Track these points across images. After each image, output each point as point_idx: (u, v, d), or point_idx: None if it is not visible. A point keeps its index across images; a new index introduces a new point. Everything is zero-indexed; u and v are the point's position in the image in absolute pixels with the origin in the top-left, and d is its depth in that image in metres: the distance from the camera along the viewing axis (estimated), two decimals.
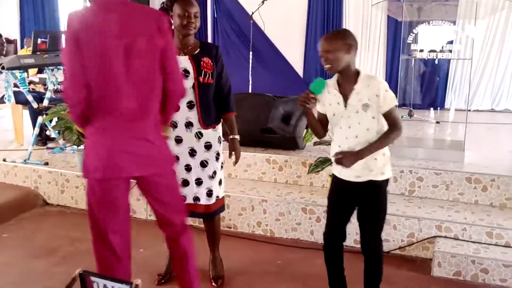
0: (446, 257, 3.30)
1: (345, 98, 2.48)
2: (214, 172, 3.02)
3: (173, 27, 2.87)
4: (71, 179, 4.64)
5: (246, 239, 3.96)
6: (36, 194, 4.78)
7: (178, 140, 2.93)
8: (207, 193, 3.02)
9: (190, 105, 2.87)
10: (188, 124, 2.90)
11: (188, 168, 2.96)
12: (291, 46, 8.33)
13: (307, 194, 4.09)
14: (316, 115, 2.63)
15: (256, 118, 4.55)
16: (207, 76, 2.86)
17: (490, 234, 3.43)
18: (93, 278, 1.17)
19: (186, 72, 2.83)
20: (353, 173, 2.53)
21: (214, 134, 2.99)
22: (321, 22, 8.23)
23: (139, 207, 4.37)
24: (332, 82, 2.55)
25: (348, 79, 2.48)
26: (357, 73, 2.49)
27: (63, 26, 10.36)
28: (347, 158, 2.47)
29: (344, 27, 8.07)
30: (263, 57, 8.22)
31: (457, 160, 4.29)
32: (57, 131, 5.20)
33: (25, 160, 4.88)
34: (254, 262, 3.57)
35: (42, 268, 3.42)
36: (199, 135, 2.92)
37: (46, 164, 4.84)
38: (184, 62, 2.84)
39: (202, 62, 2.84)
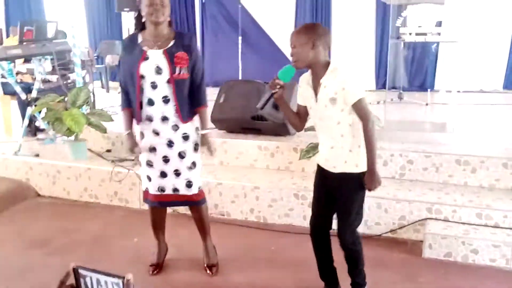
0: (437, 238, 3.35)
1: (316, 92, 2.49)
2: (193, 163, 3.02)
3: (143, 19, 2.85)
4: (63, 170, 4.63)
5: (239, 226, 3.99)
6: (28, 186, 4.77)
7: (156, 132, 2.93)
8: (186, 184, 3.02)
9: (165, 100, 2.86)
10: (164, 119, 2.89)
11: (165, 159, 2.96)
12: (281, 30, 8.27)
13: (299, 180, 4.12)
14: (291, 105, 2.66)
15: (247, 105, 4.54)
16: (182, 71, 2.83)
17: (480, 215, 3.48)
18: (86, 272, 1.19)
19: (159, 69, 2.81)
20: (330, 163, 2.56)
21: (191, 125, 2.97)
22: (310, 5, 8.18)
23: (132, 196, 4.38)
24: (307, 77, 2.55)
25: (317, 74, 2.48)
26: (326, 66, 2.46)
27: (48, 15, 10.23)
28: (368, 183, 2.49)
29: (332, 10, 8.05)
30: (253, 42, 8.19)
31: (447, 142, 4.33)
32: (46, 122, 5.17)
33: (15, 153, 4.86)
34: (248, 249, 3.61)
35: (37, 259, 3.43)
36: (175, 127, 2.92)
37: (37, 156, 4.83)
38: (157, 57, 2.81)
39: (175, 58, 2.80)
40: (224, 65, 8.29)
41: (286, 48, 8.30)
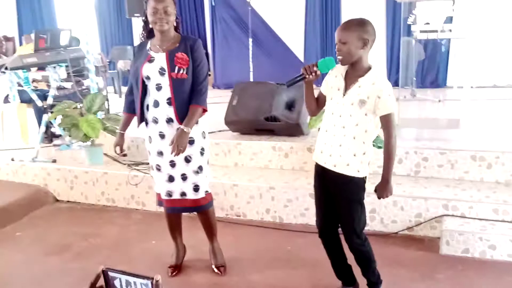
0: (454, 235, 3.35)
1: (346, 87, 2.47)
2: (200, 167, 3.03)
3: (150, 25, 2.90)
4: (80, 175, 4.69)
5: (256, 227, 4.02)
6: (46, 191, 4.84)
7: (162, 136, 2.96)
8: (193, 188, 3.05)
9: (169, 102, 2.89)
10: (169, 120, 2.92)
11: (172, 164, 2.99)
12: (291, 31, 8.31)
13: None
14: (317, 93, 2.63)
15: (260, 107, 4.58)
16: (181, 71, 2.84)
17: (497, 211, 3.48)
18: (115, 274, 1.22)
19: (162, 70, 2.86)
20: (331, 161, 2.53)
21: (196, 129, 2.97)
22: (320, 5, 8.19)
23: (149, 199, 4.43)
24: (342, 68, 2.52)
25: (356, 71, 2.46)
26: (368, 68, 2.46)
27: (60, 22, 10.36)
28: (380, 191, 2.51)
29: (342, 9, 8.04)
30: (263, 44, 8.22)
31: (462, 138, 4.32)
32: (63, 128, 5.24)
33: (33, 159, 4.94)
34: (264, 249, 3.63)
35: (58, 265, 3.48)
36: None
37: (54, 161, 4.90)
38: (161, 60, 2.87)
39: (175, 58, 2.84)
40: (235, 68, 8.33)
41: (296, 49, 8.37)
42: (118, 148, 3.15)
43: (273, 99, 4.59)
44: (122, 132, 3.13)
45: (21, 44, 10.02)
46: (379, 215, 3.74)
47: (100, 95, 4.79)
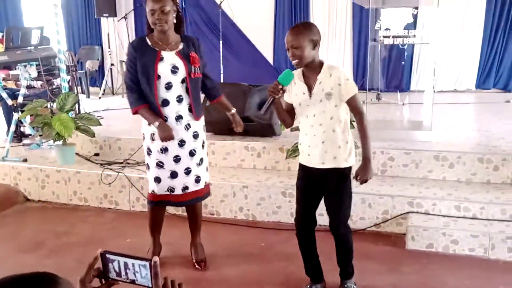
0: (419, 231, 3.52)
1: (310, 88, 2.62)
2: (201, 160, 3.17)
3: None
4: (51, 175, 4.67)
5: (229, 224, 4.10)
6: (17, 190, 4.79)
7: None
8: (195, 180, 3.15)
9: (179, 99, 2.99)
10: (178, 117, 3.02)
11: (177, 159, 3.08)
12: (261, 34, 8.41)
13: (286, 178, 4.25)
14: (284, 105, 2.75)
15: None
16: (197, 70, 2.99)
17: (458, 208, 3.67)
18: (113, 257, 1.27)
19: (175, 68, 2.94)
20: (318, 160, 2.67)
21: (200, 123, 3.14)
22: (289, 10, 8.32)
23: (122, 199, 4.46)
24: (297, 73, 2.68)
25: (312, 71, 2.62)
26: (321, 64, 2.63)
27: (26, 21, 10.16)
28: (363, 172, 2.62)
29: (311, 15, 8.21)
30: (233, 46, 8.30)
31: (425, 139, 4.52)
32: (33, 128, 5.20)
33: (3, 158, 4.88)
34: (239, 245, 3.73)
35: (32, 261, 3.48)
36: (188, 126, 3.06)
37: (25, 160, 4.86)
38: (172, 58, 2.95)
39: (191, 58, 2.95)
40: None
41: (265, 51, 8.48)
42: (174, 133, 2.97)
43: (245, 100, 4.69)
44: (161, 120, 2.94)
45: None
46: (355, 213, 3.88)
47: (72, 95, 4.79)
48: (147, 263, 1.22)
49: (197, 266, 3.34)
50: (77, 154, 4.94)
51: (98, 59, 9.43)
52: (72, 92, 4.96)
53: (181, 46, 3.00)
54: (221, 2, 7.29)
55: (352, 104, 2.62)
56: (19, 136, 5.60)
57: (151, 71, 2.93)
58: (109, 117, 6.11)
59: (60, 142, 4.74)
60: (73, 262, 3.40)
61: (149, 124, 3.02)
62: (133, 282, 1.26)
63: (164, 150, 3.06)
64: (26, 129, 5.60)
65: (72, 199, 4.63)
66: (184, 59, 2.95)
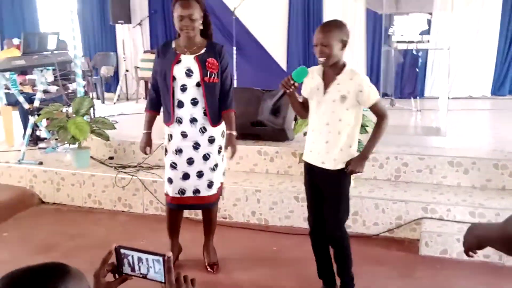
0: (433, 236, 3.50)
1: (326, 86, 2.62)
2: (216, 165, 3.17)
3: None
4: (66, 177, 4.72)
5: (242, 229, 4.11)
6: (32, 193, 4.85)
7: (184, 135, 3.08)
8: (207, 185, 3.16)
9: (194, 102, 3.02)
10: (193, 120, 3.05)
11: (190, 161, 3.10)
12: (274, 40, 8.44)
13: (299, 183, 4.23)
14: (301, 98, 2.78)
15: (246, 112, 4.68)
16: (213, 76, 3.00)
17: (473, 214, 3.64)
18: (127, 252, 1.28)
19: (189, 71, 2.97)
20: (319, 158, 2.67)
21: (218, 129, 3.14)
22: (302, 16, 8.35)
23: (136, 202, 4.49)
24: (317, 68, 2.67)
25: (333, 70, 2.61)
26: (343, 65, 2.62)
27: (42, 27, 10.31)
28: (355, 164, 2.62)
29: (324, 19, 8.21)
30: (247, 53, 8.32)
31: (439, 145, 4.49)
32: (49, 131, 5.27)
33: (19, 161, 4.94)
34: (251, 249, 3.73)
35: None
36: (203, 130, 3.08)
37: (41, 164, 4.92)
38: (189, 61, 2.99)
39: (207, 63, 2.97)
40: None
41: (279, 58, 8.50)
42: (148, 149, 3.21)
43: (259, 105, 4.71)
44: (149, 132, 3.19)
45: (2, 49, 9.95)
46: (361, 218, 3.87)
47: (88, 99, 4.84)
48: (161, 258, 1.23)
49: (209, 269, 3.35)
50: (91, 157, 4.99)
51: (113, 65, 9.51)
52: (87, 96, 5.01)
53: (203, 51, 3.02)
54: (234, 9, 7.33)
55: (375, 109, 2.62)
56: (35, 139, 5.66)
57: (168, 72, 3.00)
58: (124, 122, 6.16)
59: (75, 146, 4.79)
60: (86, 264, 3.35)
61: (167, 124, 3.10)
62: (145, 276, 1.28)
63: (179, 151, 3.09)
64: (42, 133, 5.66)
65: (87, 201, 4.67)
66: (200, 64, 2.98)
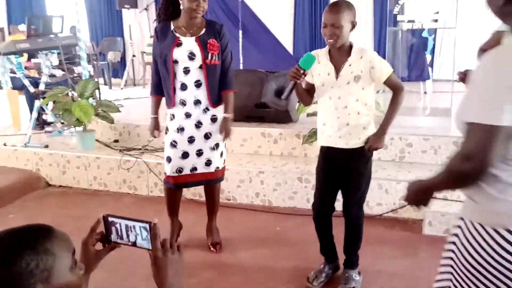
0: (436, 216, 3.48)
1: (337, 69, 2.56)
2: (217, 145, 3.17)
3: (181, 7, 2.96)
4: (72, 160, 4.75)
5: (246, 210, 4.12)
6: (38, 176, 4.89)
7: (188, 115, 3.08)
8: (205, 163, 3.16)
9: (197, 84, 3.01)
10: (197, 102, 3.05)
11: (191, 139, 3.10)
12: (280, 23, 8.39)
13: (302, 164, 4.25)
14: (304, 85, 2.71)
15: (250, 94, 4.67)
16: (214, 57, 2.98)
17: None
18: (115, 220, 1.30)
19: (192, 54, 2.96)
20: (343, 141, 2.63)
21: (220, 108, 3.13)
22: None
23: (141, 184, 4.51)
24: (323, 53, 2.60)
25: (341, 52, 2.55)
26: (351, 46, 2.57)
27: (49, 11, 10.34)
28: (375, 140, 2.59)
29: (331, 1, 8.14)
30: (253, 36, 8.27)
31: (444, 126, 4.45)
32: (54, 115, 5.30)
33: (25, 144, 4.99)
34: (254, 229, 3.75)
35: None
36: (206, 110, 3.08)
37: (46, 147, 4.95)
38: (190, 44, 2.96)
39: (208, 45, 2.95)
40: None
41: (285, 41, 8.45)
42: (156, 133, 3.23)
43: (262, 86, 4.69)
44: (155, 116, 3.20)
45: (10, 34, 9.99)
46: (366, 198, 3.85)
47: (92, 81, 4.86)
48: (147, 225, 1.24)
49: (212, 249, 3.36)
50: (97, 140, 5.01)
51: (120, 51, 9.53)
52: (92, 79, 5.02)
53: (203, 31, 2.99)
54: None
55: (390, 83, 2.57)
56: (41, 124, 5.71)
57: (168, 56, 2.98)
58: (130, 106, 6.19)
59: (81, 129, 4.82)
60: None
61: (169, 107, 3.11)
62: (134, 244, 1.29)
63: (181, 129, 3.09)
64: (49, 117, 5.69)
65: (92, 184, 4.71)
66: (201, 46, 2.96)
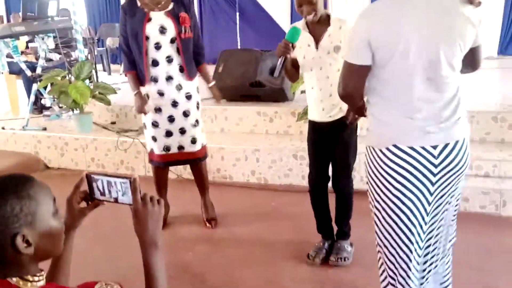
0: None
1: (317, 40, 2.58)
2: (197, 121, 3.20)
3: None
4: (70, 142, 4.79)
5: (242, 188, 4.17)
6: (37, 159, 4.94)
7: (160, 93, 3.09)
8: (191, 141, 3.19)
9: (169, 60, 3.02)
10: (168, 78, 3.05)
11: (171, 119, 3.12)
12: (278, 5, 8.37)
13: (298, 141, 4.26)
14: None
15: (245, 73, 4.69)
16: (187, 30, 2.98)
17: (470, 166, 3.62)
18: (97, 177, 1.33)
19: (163, 28, 2.96)
20: (326, 114, 2.66)
21: (193, 84, 3.14)
22: None
23: (138, 164, 4.55)
24: (301, 26, 2.60)
25: (319, 23, 2.57)
26: (328, 15, 2.59)
27: None
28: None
29: None
30: (250, 18, 8.28)
31: None
32: (52, 97, 5.32)
33: (23, 127, 5.03)
34: (250, 206, 3.79)
35: None
36: (179, 87, 3.08)
37: (45, 129, 4.99)
38: (161, 18, 2.96)
39: (180, 18, 2.95)
40: (223, 42, 8.36)
41: (282, 22, 8.43)
42: (147, 107, 3.09)
43: (257, 65, 4.70)
44: (138, 91, 3.10)
45: (9, 22, 10.00)
46: (359, 174, 3.87)
47: (88, 63, 4.88)
48: (128, 181, 1.27)
49: (207, 225, 3.41)
50: (94, 123, 5.04)
51: (118, 36, 9.50)
52: (87, 61, 5.04)
53: (171, 6, 2.99)
54: None
55: None
56: (39, 108, 5.74)
57: (140, 32, 2.96)
58: (127, 89, 6.17)
59: (78, 111, 4.85)
60: (87, 220, 3.49)
61: (143, 84, 3.10)
62: (116, 200, 1.32)
63: (158, 110, 3.12)
64: (47, 101, 5.73)
65: (90, 165, 4.75)
66: (174, 19, 2.96)
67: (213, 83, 3.27)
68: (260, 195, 4.00)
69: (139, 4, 3.02)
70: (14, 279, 1.09)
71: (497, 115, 3.95)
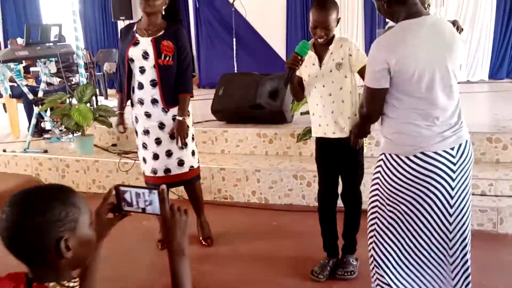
0: None
1: (320, 59, 2.70)
2: (185, 144, 3.22)
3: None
4: (71, 164, 4.84)
5: (243, 208, 4.22)
6: (38, 181, 4.90)
7: (148, 115, 3.16)
8: (178, 163, 3.22)
9: (153, 84, 3.10)
10: (154, 101, 3.13)
11: (158, 141, 3.19)
12: (273, 31, 8.52)
13: (297, 162, 4.35)
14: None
15: (245, 96, 4.79)
16: (167, 58, 3.06)
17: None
18: (125, 189, 1.39)
19: (146, 54, 3.06)
20: (329, 130, 2.76)
21: (175, 110, 3.18)
22: (301, 6, 8.42)
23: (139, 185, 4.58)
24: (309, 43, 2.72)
25: (326, 43, 2.69)
26: (333, 36, 2.71)
27: (44, 20, 10.45)
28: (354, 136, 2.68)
29: None
30: (247, 44, 8.40)
31: None
32: (52, 120, 5.38)
33: (24, 149, 5.07)
34: (251, 225, 3.84)
35: None
36: (165, 110, 3.15)
37: (45, 152, 5.04)
38: (145, 44, 3.07)
39: (161, 45, 3.04)
40: (220, 67, 8.45)
41: (278, 48, 8.58)
42: (121, 127, 3.30)
43: (257, 88, 4.80)
44: (121, 112, 3.29)
45: (6, 47, 10.09)
46: (363, 193, 3.95)
47: (90, 86, 4.96)
48: (156, 191, 1.34)
49: (204, 243, 3.45)
50: (95, 145, 5.10)
51: (115, 61, 9.58)
52: (89, 84, 5.13)
53: (161, 33, 3.08)
54: (233, 1, 7.44)
55: (363, 72, 2.68)
56: (40, 131, 5.79)
57: (124, 54, 3.10)
58: (127, 112, 6.25)
59: (79, 134, 4.91)
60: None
61: (132, 106, 3.23)
62: (143, 211, 1.38)
63: (146, 132, 3.19)
64: (47, 124, 5.78)
65: (91, 187, 4.79)
66: (155, 46, 3.04)
67: (181, 118, 3.12)
68: (262, 215, 4.05)
69: (134, 28, 3.14)
70: (51, 284, 1.15)
71: (492, 136, 4.06)
